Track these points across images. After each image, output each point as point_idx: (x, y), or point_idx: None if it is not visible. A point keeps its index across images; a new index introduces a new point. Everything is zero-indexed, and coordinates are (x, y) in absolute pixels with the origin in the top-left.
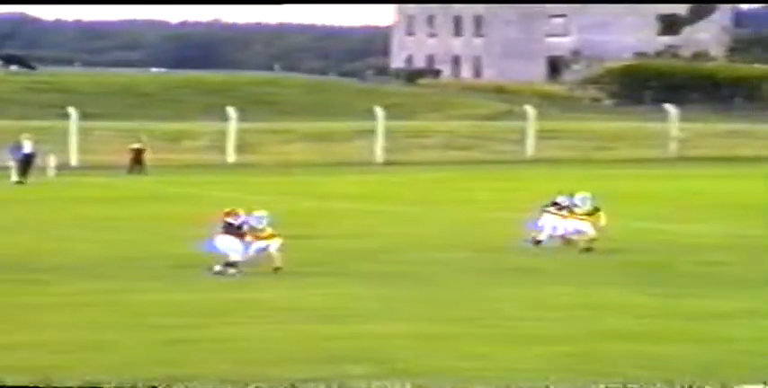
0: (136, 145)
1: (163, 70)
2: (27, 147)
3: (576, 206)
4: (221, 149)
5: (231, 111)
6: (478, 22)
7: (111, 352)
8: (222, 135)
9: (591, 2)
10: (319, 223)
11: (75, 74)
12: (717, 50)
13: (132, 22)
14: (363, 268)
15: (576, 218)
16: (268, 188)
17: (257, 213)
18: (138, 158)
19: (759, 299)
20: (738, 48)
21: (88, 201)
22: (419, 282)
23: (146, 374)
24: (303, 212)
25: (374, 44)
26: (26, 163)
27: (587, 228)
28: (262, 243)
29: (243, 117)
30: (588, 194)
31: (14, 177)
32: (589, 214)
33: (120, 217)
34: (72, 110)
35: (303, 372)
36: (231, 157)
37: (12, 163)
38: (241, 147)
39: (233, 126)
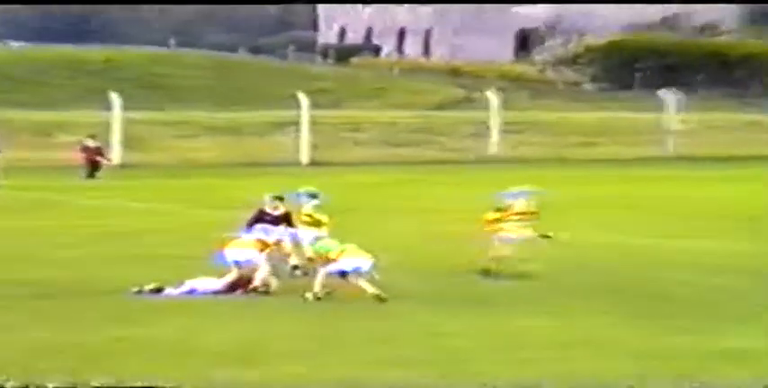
0: (90, 143)
1: (26, 44)
2: None
3: None
4: (103, 145)
5: (115, 97)
6: None
7: None
8: (104, 127)
9: None
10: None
11: None
12: (729, 22)
13: None
14: (285, 297)
15: None
16: (161, 194)
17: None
18: (93, 158)
19: None
20: (758, 21)
21: None
22: (354, 313)
23: None
24: (207, 225)
25: (297, 14)
26: None
27: None
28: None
29: (130, 104)
30: None
31: None
32: None
33: None
34: None
35: None
36: (116, 155)
37: None
38: (128, 143)
39: (118, 115)
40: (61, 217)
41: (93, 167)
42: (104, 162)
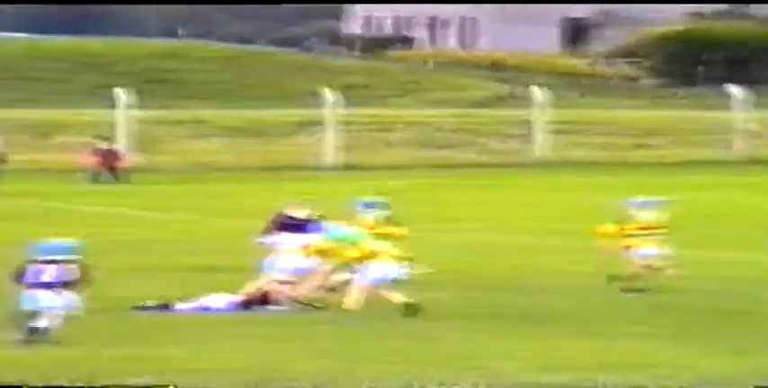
0: (102, 145)
1: (19, 35)
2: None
3: None
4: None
5: (121, 94)
6: None
7: None
8: (108, 126)
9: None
10: (245, 250)
11: None
12: None
13: None
14: (312, 314)
15: None
16: (171, 201)
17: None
18: (111, 162)
19: None
20: None
21: None
22: (389, 330)
23: None
24: (222, 235)
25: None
26: None
27: None
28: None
29: (137, 102)
30: None
31: None
32: None
33: None
34: None
35: None
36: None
37: None
38: (135, 144)
39: (123, 114)
40: (64, 226)
41: (112, 172)
42: (122, 164)
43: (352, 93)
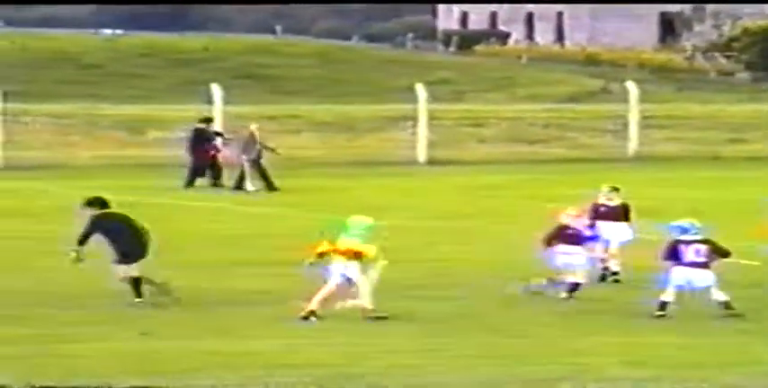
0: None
1: (119, 32)
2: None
3: None
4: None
5: (216, 89)
6: None
7: None
8: None
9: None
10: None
11: None
12: None
13: None
14: (397, 306)
15: None
16: (266, 195)
17: None
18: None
19: None
20: None
21: (8, 215)
22: (474, 326)
23: None
24: (313, 229)
25: None
26: (259, 163)
27: None
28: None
29: (230, 97)
30: None
31: (250, 184)
32: None
33: (53, 237)
34: None
35: None
36: None
37: (246, 165)
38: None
39: (218, 109)
40: (163, 221)
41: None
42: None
43: (445, 89)
